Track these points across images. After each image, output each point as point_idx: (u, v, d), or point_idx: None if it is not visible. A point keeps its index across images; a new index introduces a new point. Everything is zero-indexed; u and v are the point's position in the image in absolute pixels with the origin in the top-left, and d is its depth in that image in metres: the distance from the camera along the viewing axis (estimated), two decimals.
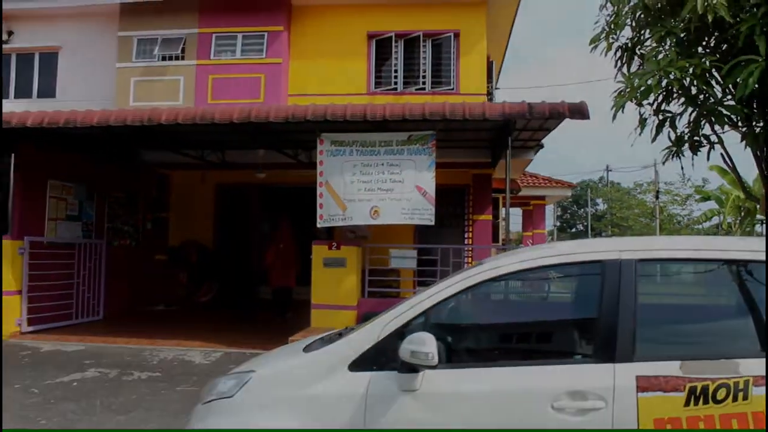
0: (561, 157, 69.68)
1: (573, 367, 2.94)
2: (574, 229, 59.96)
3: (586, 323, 3.12)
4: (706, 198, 29.05)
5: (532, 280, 3.55)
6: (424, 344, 2.83)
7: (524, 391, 2.88)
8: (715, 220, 28.76)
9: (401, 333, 3.01)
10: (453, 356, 3.12)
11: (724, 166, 9.12)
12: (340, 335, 3.46)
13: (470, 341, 3.41)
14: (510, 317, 3.68)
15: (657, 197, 36.95)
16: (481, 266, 3.26)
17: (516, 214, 25.55)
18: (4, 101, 9.55)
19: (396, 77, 13.27)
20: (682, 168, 8.96)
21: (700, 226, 31.58)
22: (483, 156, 11.98)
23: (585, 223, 55.19)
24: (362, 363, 3.06)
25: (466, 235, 13.18)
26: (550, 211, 42.29)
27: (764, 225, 23.79)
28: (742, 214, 24.33)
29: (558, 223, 57.42)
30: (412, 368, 2.90)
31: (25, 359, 8.36)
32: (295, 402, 3.08)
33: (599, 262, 3.07)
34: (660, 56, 6.44)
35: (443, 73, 13.18)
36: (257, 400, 3.20)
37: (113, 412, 6.01)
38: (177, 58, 13.36)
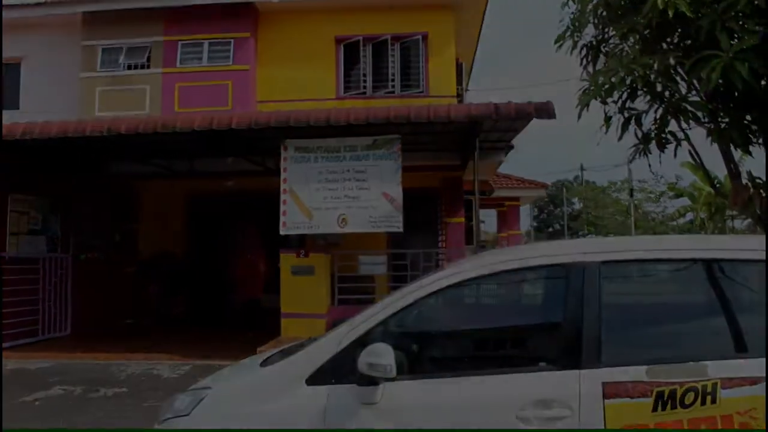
0: (539, 157, 70.04)
1: (537, 375, 2.84)
2: (551, 229, 60.24)
3: (551, 329, 3.03)
4: (679, 195, 29.33)
5: (495, 286, 3.44)
6: (382, 356, 2.73)
7: (487, 401, 2.78)
8: (689, 216, 29.04)
9: (362, 343, 2.90)
10: (414, 366, 2.99)
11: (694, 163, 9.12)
12: (301, 346, 3.34)
13: (432, 350, 3.29)
14: (472, 324, 3.56)
15: (631, 195, 37.24)
16: (442, 272, 3.16)
17: (491, 216, 25.55)
18: None
19: (365, 81, 13.16)
20: (649, 165, 8.95)
21: (675, 223, 31.88)
22: (453, 158, 11.89)
23: (562, 223, 55.44)
24: (320, 376, 2.95)
25: (439, 239, 13.09)
26: (527, 212, 42.45)
27: (734, 221, 24.10)
28: (713, 210, 24.57)
29: (535, 224, 57.69)
30: (372, 380, 2.79)
31: None
32: (250, 419, 2.96)
33: (562, 265, 2.99)
34: (623, 53, 6.40)
35: (412, 76, 13.11)
36: (212, 418, 3.09)
37: None
38: (143, 67, 13.12)
